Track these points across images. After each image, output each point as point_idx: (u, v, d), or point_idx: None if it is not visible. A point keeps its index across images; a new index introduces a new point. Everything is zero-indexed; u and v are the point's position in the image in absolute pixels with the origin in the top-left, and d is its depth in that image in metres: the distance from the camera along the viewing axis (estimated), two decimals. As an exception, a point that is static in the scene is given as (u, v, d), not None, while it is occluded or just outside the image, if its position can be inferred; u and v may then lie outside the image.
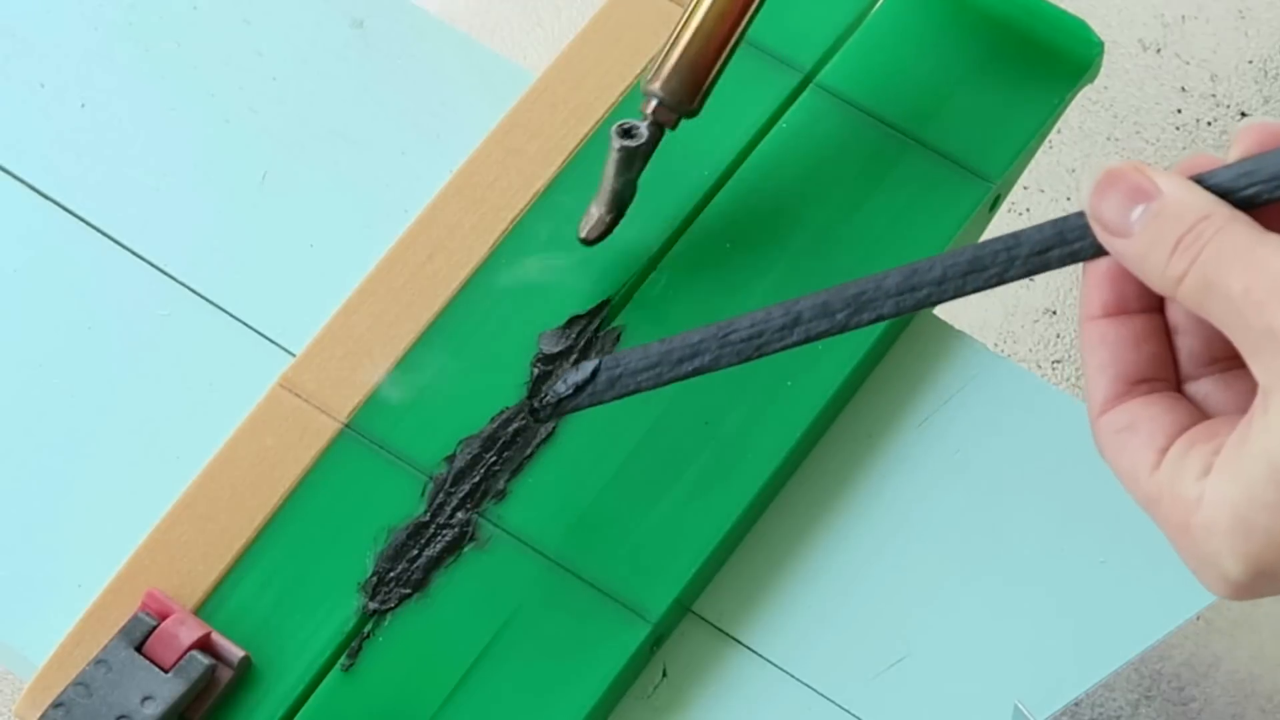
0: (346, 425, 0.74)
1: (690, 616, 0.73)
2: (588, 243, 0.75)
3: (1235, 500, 0.53)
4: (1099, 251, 0.59)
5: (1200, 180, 0.56)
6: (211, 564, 0.71)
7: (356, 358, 0.75)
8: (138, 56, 0.83)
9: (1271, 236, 0.54)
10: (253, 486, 0.73)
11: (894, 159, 0.79)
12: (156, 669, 0.68)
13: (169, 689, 0.68)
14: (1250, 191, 0.56)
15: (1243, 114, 1.50)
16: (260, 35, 0.84)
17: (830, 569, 0.74)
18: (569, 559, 0.72)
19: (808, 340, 0.67)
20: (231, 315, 0.78)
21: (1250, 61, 1.51)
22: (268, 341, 0.77)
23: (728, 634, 0.73)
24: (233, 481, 0.73)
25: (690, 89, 0.74)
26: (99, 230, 0.79)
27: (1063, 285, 1.60)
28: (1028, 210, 1.62)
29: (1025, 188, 1.64)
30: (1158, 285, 0.55)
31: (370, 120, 0.82)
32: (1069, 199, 1.63)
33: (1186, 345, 0.58)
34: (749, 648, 0.73)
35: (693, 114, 0.74)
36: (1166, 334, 0.59)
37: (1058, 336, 1.59)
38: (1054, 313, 1.60)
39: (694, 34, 0.74)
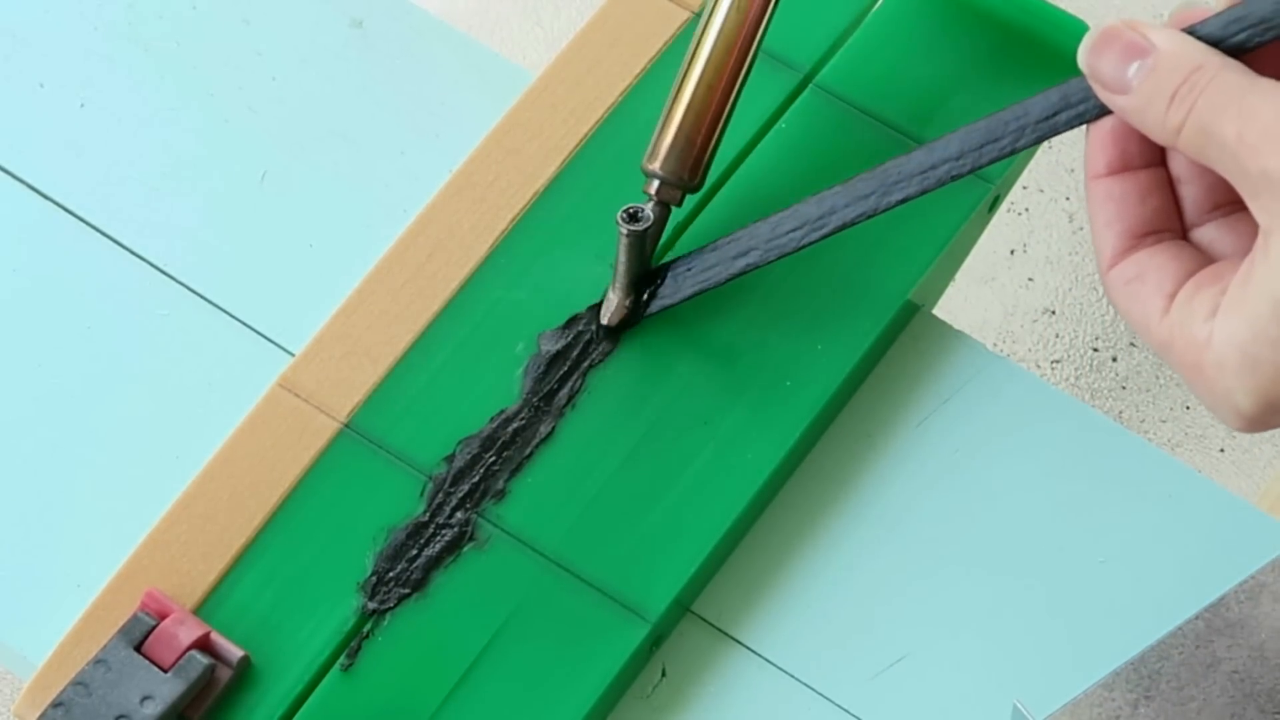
0: (346, 425, 0.74)
1: (689, 616, 0.73)
2: (612, 330, 0.75)
3: (1242, 338, 0.56)
4: (1103, 112, 0.61)
5: (1192, 31, 0.58)
6: (211, 564, 0.71)
7: (356, 358, 0.75)
8: (138, 56, 0.83)
9: (1262, 82, 0.56)
10: (252, 486, 0.73)
11: (893, 159, 0.79)
12: (156, 669, 0.68)
13: (168, 689, 0.68)
14: (1240, 37, 0.58)
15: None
16: (260, 35, 0.84)
17: (830, 569, 0.74)
18: (568, 559, 0.72)
19: (843, 227, 0.72)
20: (231, 315, 0.78)
21: (1250, 61, 1.51)
22: (267, 341, 0.77)
23: (727, 634, 0.73)
24: (232, 481, 0.73)
25: (690, 166, 0.74)
26: (99, 230, 0.79)
27: (1062, 285, 1.60)
28: (1027, 210, 1.62)
29: (1025, 187, 1.64)
30: (1158, 136, 0.58)
31: (370, 120, 0.82)
32: (1069, 198, 1.63)
33: (1190, 194, 0.61)
34: (748, 647, 0.73)
35: (695, 189, 0.74)
36: (1170, 186, 0.61)
37: (1057, 336, 1.59)
38: (1053, 313, 1.60)
39: (686, 110, 0.74)
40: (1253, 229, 0.57)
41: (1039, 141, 0.67)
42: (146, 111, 0.82)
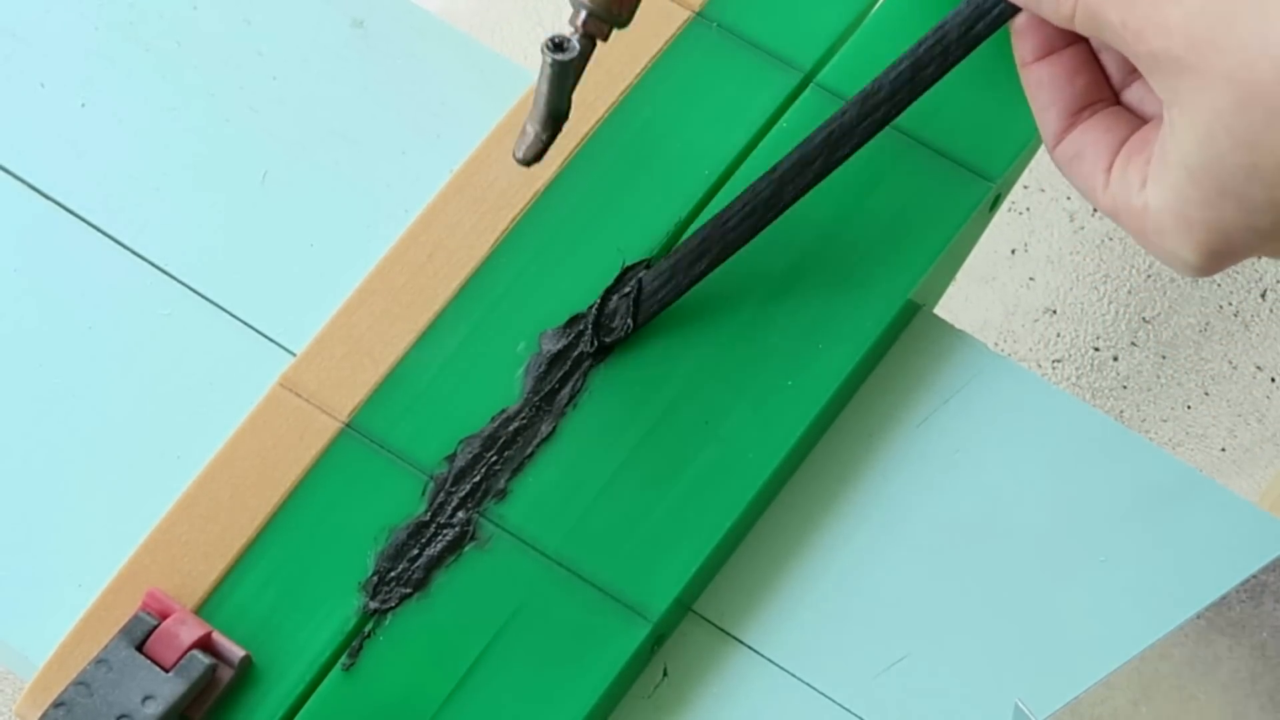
0: (347, 425, 0.74)
1: (691, 616, 0.73)
2: (525, 163, 0.71)
3: (1171, 205, 0.60)
4: (1016, 11, 0.65)
5: None
6: (212, 563, 0.71)
7: (356, 357, 0.75)
8: (138, 56, 0.83)
9: None
10: (253, 486, 0.73)
11: (894, 159, 0.79)
12: (157, 668, 0.68)
13: (170, 688, 0.68)
14: None
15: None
16: (260, 35, 0.84)
17: (831, 568, 0.74)
18: (569, 558, 0.72)
19: (798, 197, 0.73)
20: (231, 315, 0.78)
21: (1250, 61, 1.51)
22: (268, 341, 0.77)
23: (728, 633, 0.73)
24: (233, 481, 0.73)
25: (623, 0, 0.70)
26: (99, 230, 0.79)
27: (1063, 284, 1.60)
28: (1028, 209, 1.62)
29: (1025, 187, 1.64)
30: (1056, 20, 0.62)
31: (370, 120, 0.82)
32: (1069, 198, 1.63)
33: (1112, 59, 0.65)
34: (750, 647, 0.73)
35: (624, 24, 0.70)
36: (1095, 59, 0.65)
37: (1058, 336, 1.59)
38: (1054, 312, 1.60)
39: None
40: None
41: (965, 56, 0.69)
42: (147, 111, 0.82)
